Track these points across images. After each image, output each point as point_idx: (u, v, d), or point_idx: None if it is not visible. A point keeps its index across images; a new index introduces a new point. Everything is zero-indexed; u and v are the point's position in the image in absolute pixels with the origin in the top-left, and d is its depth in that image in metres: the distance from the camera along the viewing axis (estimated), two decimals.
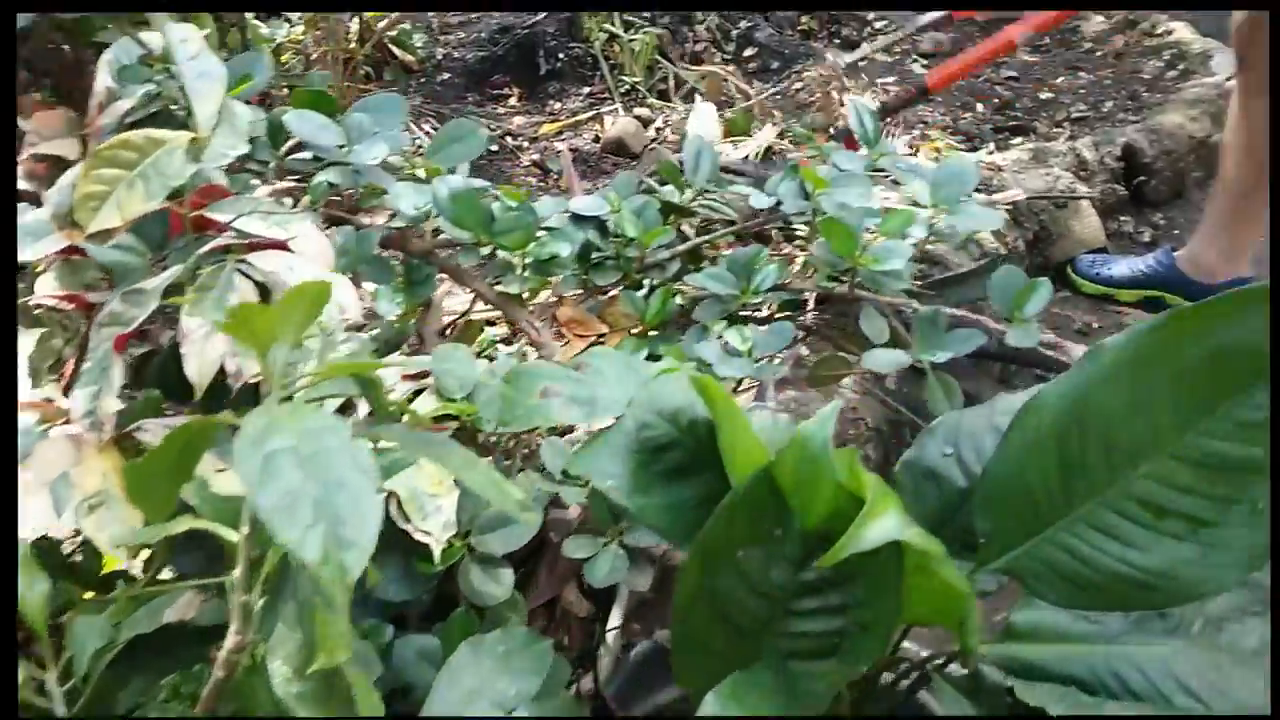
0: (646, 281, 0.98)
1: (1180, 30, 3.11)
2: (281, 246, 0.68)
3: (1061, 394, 0.62)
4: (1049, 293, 0.72)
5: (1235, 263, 1.83)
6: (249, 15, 2.98)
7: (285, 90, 2.80)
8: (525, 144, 2.75)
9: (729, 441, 0.54)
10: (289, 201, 0.87)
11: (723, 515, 0.53)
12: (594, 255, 0.95)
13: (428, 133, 2.78)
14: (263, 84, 0.92)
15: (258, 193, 0.84)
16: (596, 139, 2.71)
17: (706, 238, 0.98)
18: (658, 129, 2.66)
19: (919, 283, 1.67)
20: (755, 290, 0.85)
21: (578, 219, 0.96)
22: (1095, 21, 3.40)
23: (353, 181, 0.89)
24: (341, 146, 0.90)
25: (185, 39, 0.77)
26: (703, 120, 2.27)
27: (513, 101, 3.05)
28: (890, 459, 1.47)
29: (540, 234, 0.96)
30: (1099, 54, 3.10)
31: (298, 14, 3.03)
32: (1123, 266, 1.96)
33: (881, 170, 0.93)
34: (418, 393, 0.85)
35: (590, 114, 2.79)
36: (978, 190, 2.02)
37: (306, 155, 0.92)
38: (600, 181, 2.48)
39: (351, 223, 0.93)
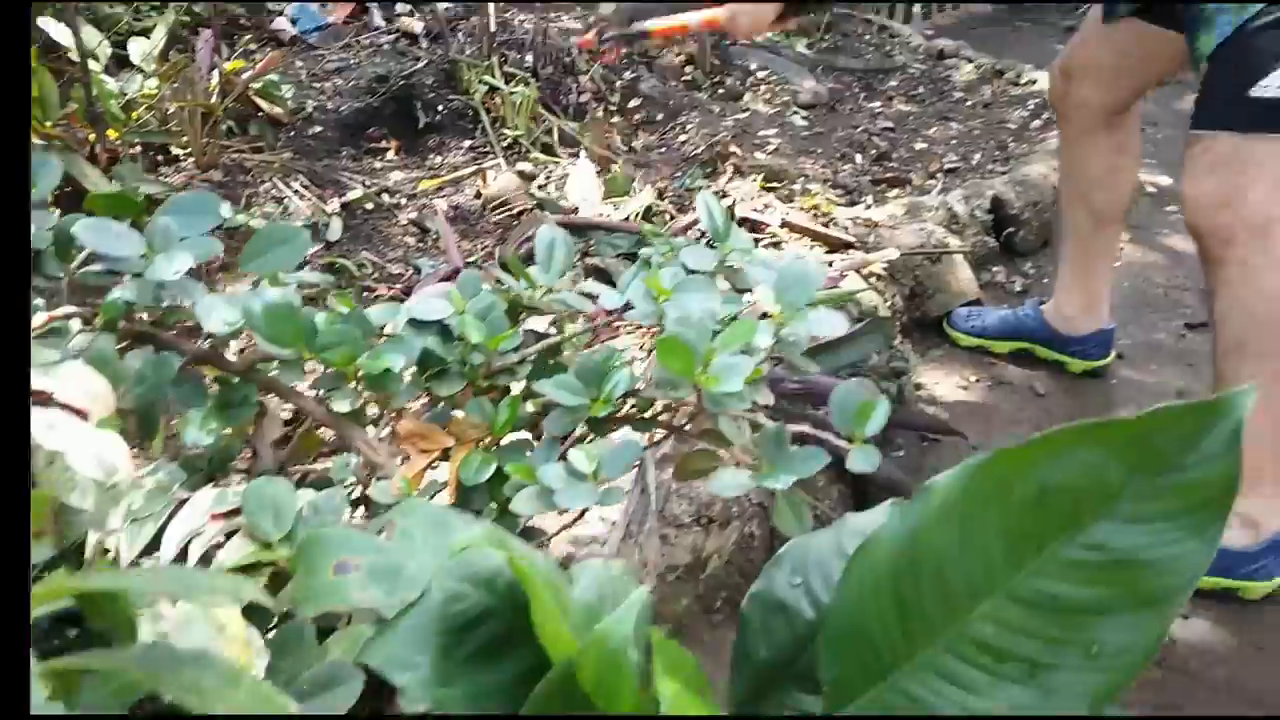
0: (495, 387, 0.93)
1: (1043, 80, 3.26)
2: (41, 399, 0.60)
3: (895, 534, 0.59)
4: (887, 410, 0.70)
5: (1094, 314, 1.89)
6: (95, 68, 2.82)
7: (135, 148, 2.65)
8: (403, 201, 2.67)
9: (539, 625, 0.49)
10: (76, 325, 0.79)
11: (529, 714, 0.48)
12: (435, 363, 0.89)
13: (297, 191, 2.67)
14: (50, 188, 0.83)
15: (37, 319, 0.75)
16: (478, 195, 2.65)
17: (557, 338, 0.93)
18: (540, 185, 2.62)
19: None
20: (607, 399, 0.81)
21: (417, 324, 0.90)
22: (965, 70, 3.55)
23: (154, 298, 0.81)
24: (144, 256, 0.82)
25: None
26: (582, 181, 2.24)
27: (390, 155, 2.97)
28: (776, 532, 1.45)
29: (377, 340, 0.90)
30: (969, 104, 3.23)
31: (152, 66, 2.88)
32: (995, 319, 2.01)
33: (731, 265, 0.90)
34: (234, 533, 0.77)
35: (472, 169, 2.73)
36: (858, 248, 2.05)
37: (102, 267, 0.83)
38: (481, 241, 2.42)
39: (158, 341, 0.85)
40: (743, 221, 2.01)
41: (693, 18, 1.68)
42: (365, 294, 2.20)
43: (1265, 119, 1.25)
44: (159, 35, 2.95)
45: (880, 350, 1.73)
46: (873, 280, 1.96)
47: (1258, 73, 1.23)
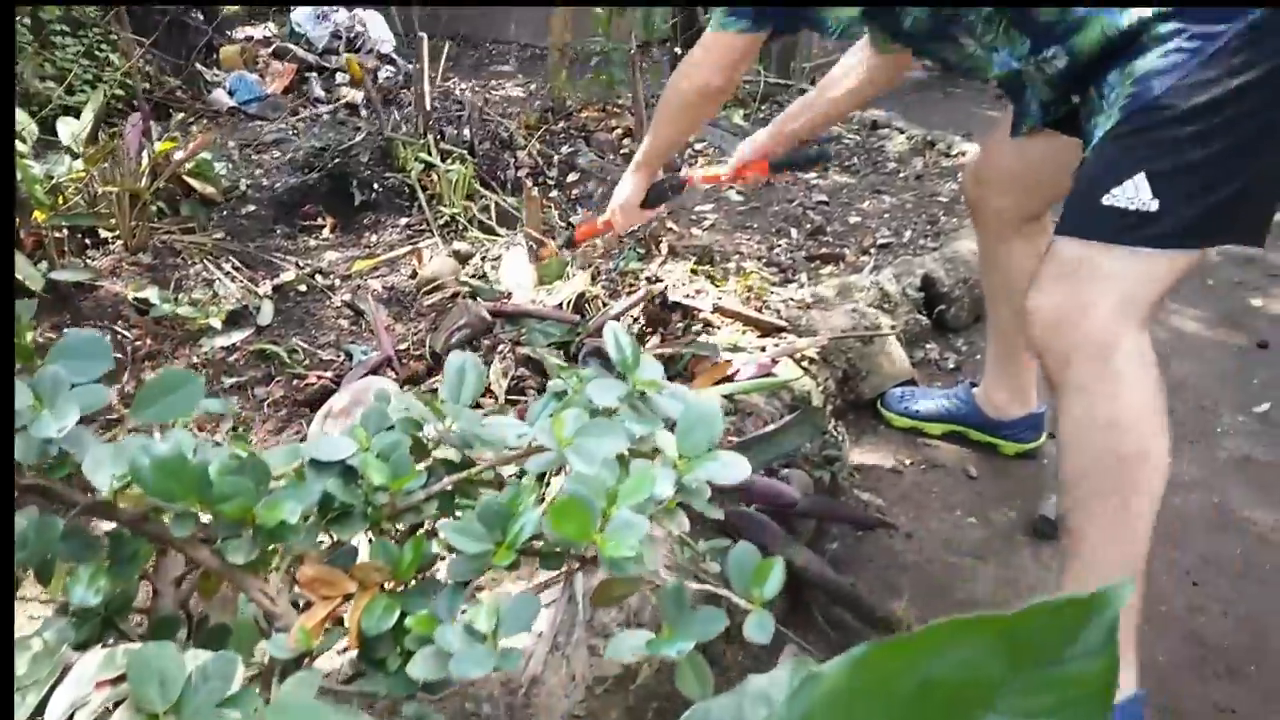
0: (400, 528, 0.91)
1: (973, 151, 3.38)
2: None
3: None
4: (783, 574, 0.70)
5: (1023, 399, 1.93)
6: (22, 149, 2.78)
7: (64, 232, 2.61)
8: (337, 282, 2.65)
9: None
10: None
11: None
12: (337, 506, 0.88)
13: (228, 273, 2.64)
14: None
15: None
16: (413, 275, 2.64)
17: (463, 474, 0.92)
18: (475, 265, 2.63)
19: (733, 439, 1.69)
20: (511, 545, 0.80)
21: (318, 465, 0.89)
22: (898, 141, 3.66)
23: (40, 453, 0.79)
24: (32, 408, 0.80)
25: None
26: (515, 266, 2.24)
27: (325, 233, 2.96)
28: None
29: (277, 482, 0.88)
30: (902, 175, 3.32)
31: (81, 147, 2.85)
32: (928, 401, 2.05)
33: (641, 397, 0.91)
34: (121, 701, 0.75)
35: (407, 249, 2.73)
36: (791, 331, 2.07)
37: None
38: (415, 325, 2.40)
39: (46, 493, 0.82)
40: (675, 307, 2.03)
41: (598, 219, 2.02)
42: (295, 381, 2.17)
43: (1113, 229, 1.20)
44: (88, 115, 2.93)
45: (813, 439, 1.75)
46: (806, 364, 1.99)
47: (1111, 180, 1.19)
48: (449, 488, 0.91)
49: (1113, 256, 1.20)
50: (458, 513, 0.94)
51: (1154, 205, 1.17)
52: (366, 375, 1.99)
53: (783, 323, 2.00)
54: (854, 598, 1.49)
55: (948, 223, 2.82)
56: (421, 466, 0.99)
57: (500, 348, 1.88)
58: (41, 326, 2.36)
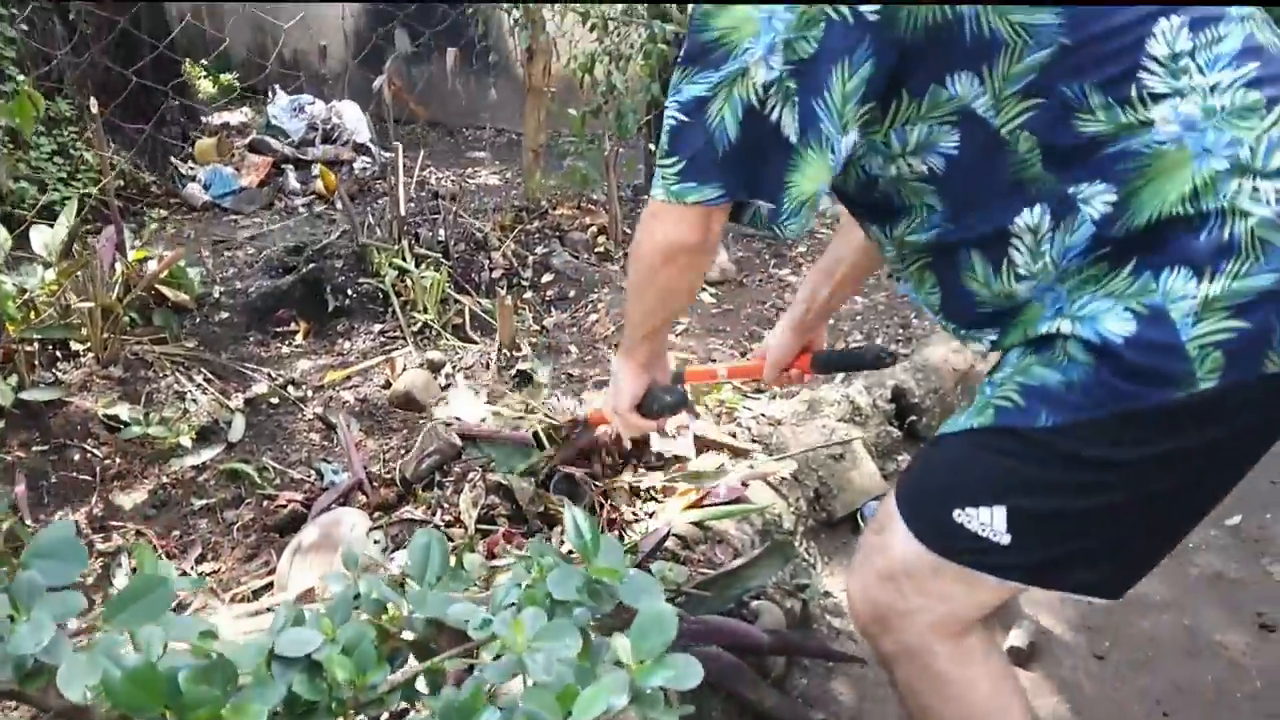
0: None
1: None
2: None
3: None
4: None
5: None
6: None
7: (35, 345, 2.64)
8: (309, 393, 2.69)
9: None
10: None
11: None
12: (301, 703, 0.91)
13: (200, 385, 2.68)
14: None
15: None
16: (387, 384, 2.69)
17: (428, 664, 0.96)
18: (448, 375, 2.69)
19: (705, 572, 1.73)
20: None
21: (284, 660, 0.92)
22: None
23: (16, 665, 0.82)
24: (11, 618, 0.84)
25: None
26: (463, 404, 2.28)
27: (299, 339, 3.01)
28: None
29: (245, 678, 0.92)
30: (873, 276, 3.42)
31: (55, 256, 2.90)
32: None
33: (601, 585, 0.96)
34: None
35: (380, 359, 2.79)
36: (763, 447, 2.13)
37: None
38: (387, 440, 2.45)
39: (22, 699, 0.86)
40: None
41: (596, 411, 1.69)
42: (265, 503, 2.20)
43: (957, 549, 1.07)
44: (62, 225, 2.98)
45: (782, 570, 1.79)
46: (777, 484, 2.04)
47: (966, 499, 1.06)
48: (414, 675, 0.95)
49: (947, 576, 1.09)
50: (418, 706, 0.98)
51: (1006, 539, 1.04)
52: (337, 500, 2.03)
53: (753, 446, 2.05)
54: None
55: (919, 327, 2.91)
56: (388, 647, 1.03)
57: (471, 475, 1.92)
58: (10, 444, 2.39)
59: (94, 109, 2.78)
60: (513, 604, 0.97)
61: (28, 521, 2.16)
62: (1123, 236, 0.96)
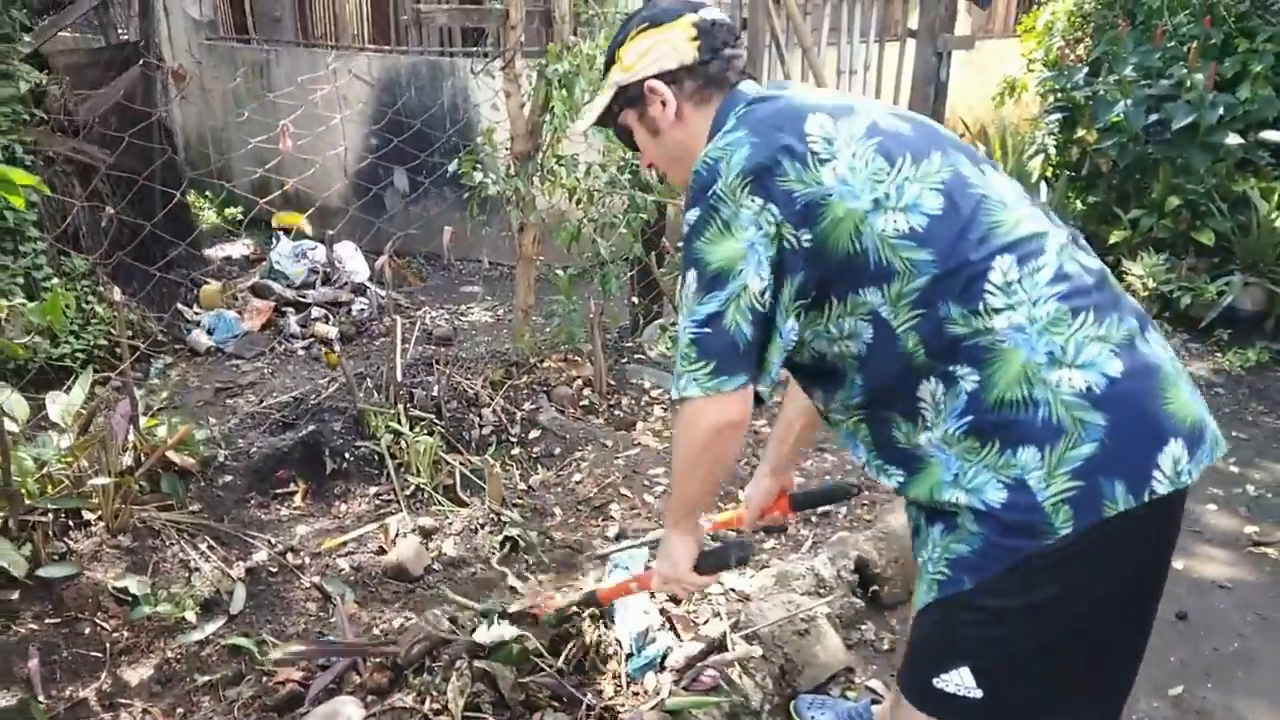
0: None
1: None
2: None
3: None
4: None
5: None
6: (13, 429, 3.05)
7: (49, 515, 2.85)
8: (307, 560, 2.89)
9: None
10: None
11: None
12: None
13: (203, 553, 2.88)
14: None
15: None
16: (381, 550, 2.89)
17: None
18: (440, 540, 2.89)
19: None
20: None
21: None
22: None
23: None
24: None
25: None
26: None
27: (297, 501, 3.22)
28: None
29: None
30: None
31: (69, 421, 3.13)
32: (833, 715, 2.19)
33: None
34: None
35: (374, 525, 2.99)
36: (733, 623, 2.32)
37: None
38: (382, 612, 2.63)
39: None
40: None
41: (634, 580, 1.97)
42: (265, 679, 2.38)
43: (948, 711, 1.37)
44: (78, 392, 3.22)
45: None
46: (746, 661, 2.23)
47: (939, 666, 1.36)
48: None
49: None
50: None
51: (978, 694, 1.34)
52: (332, 682, 2.21)
53: (718, 635, 2.24)
54: None
55: (880, 492, 3.13)
56: None
57: (459, 664, 2.11)
58: (24, 616, 2.57)
59: (117, 296, 3.04)
60: None
61: (40, 697, 2.34)
62: (986, 413, 1.29)
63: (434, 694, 2.07)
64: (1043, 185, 5.83)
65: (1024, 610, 1.29)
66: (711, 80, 1.49)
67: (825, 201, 1.31)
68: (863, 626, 2.60)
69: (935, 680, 1.37)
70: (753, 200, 1.32)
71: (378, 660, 2.24)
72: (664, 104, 1.50)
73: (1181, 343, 4.88)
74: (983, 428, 1.29)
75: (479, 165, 3.67)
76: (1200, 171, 4.98)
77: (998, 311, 1.29)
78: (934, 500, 1.35)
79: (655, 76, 1.49)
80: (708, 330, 1.33)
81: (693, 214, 1.37)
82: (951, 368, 1.31)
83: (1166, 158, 5.10)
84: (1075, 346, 1.28)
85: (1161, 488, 1.26)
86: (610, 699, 2.07)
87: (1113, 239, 5.24)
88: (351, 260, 5.39)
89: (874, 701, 2.20)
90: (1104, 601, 1.32)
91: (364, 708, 2.05)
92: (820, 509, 3.00)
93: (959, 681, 1.35)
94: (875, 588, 2.67)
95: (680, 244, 1.46)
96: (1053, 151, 5.96)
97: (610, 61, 1.55)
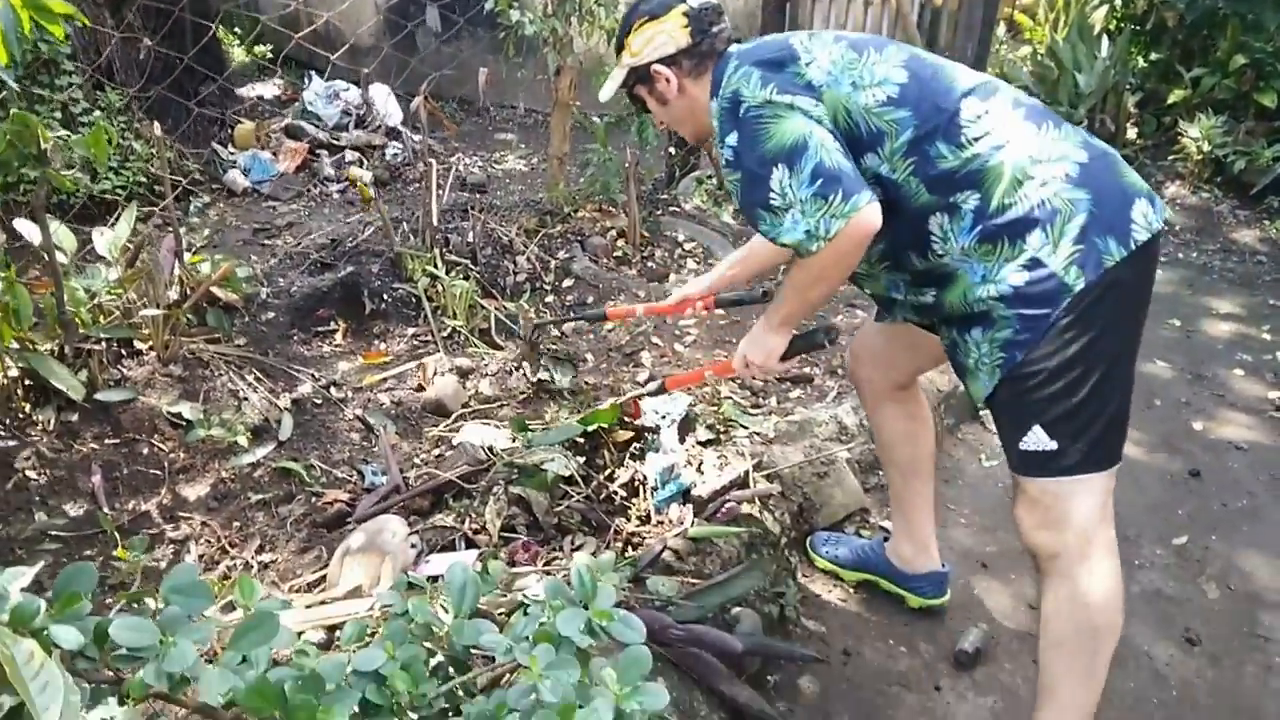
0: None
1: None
2: None
3: None
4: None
5: (926, 556, 2.27)
6: (63, 260, 3.17)
7: (101, 344, 3.00)
8: (349, 394, 3.04)
9: None
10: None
11: None
12: (372, 709, 1.26)
13: (251, 384, 3.04)
14: (89, 590, 1.19)
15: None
16: (420, 387, 3.03)
17: (464, 678, 1.30)
18: (476, 380, 3.01)
19: (693, 582, 2.06)
20: None
21: (358, 674, 1.27)
22: None
23: (167, 678, 1.17)
24: (162, 641, 1.18)
25: None
26: (474, 433, 2.58)
27: (338, 339, 3.35)
28: None
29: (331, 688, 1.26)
30: None
31: (116, 255, 3.24)
32: (847, 550, 2.39)
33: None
34: None
35: (413, 363, 3.12)
36: (756, 463, 2.44)
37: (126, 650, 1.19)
38: (420, 443, 2.79)
39: (170, 700, 1.20)
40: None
41: (708, 368, 2.20)
42: (314, 500, 2.56)
43: (1038, 466, 1.63)
44: (124, 226, 3.30)
45: (760, 584, 2.12)
46: (766, 499, 2.36)
47: (1020, 433, 1.64)
48: (458, 685, 1.29)
49: (1053, 485, 1.65)
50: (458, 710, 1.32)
51: (1053, 445, 1.62)
52: (377, 503, 2.38)
53: (743, 473, 2.36)
54: None
55: None
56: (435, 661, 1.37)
57: (494, 490, 2.26)
58: (84, 437, 2.75)
59: (157, 132, 3.08)
60: (528, 637, 1.31)
61: (105, 509, 2.54)
62: (992, 219, 1.57)
63: (473, 515, 2.22)
64: (1104, 39, 5.60)
65: (1068, 362, 1.56)
66: (704, 56, 1.78)
67: (820, 92, 1.61)
68: (880, 473, 2.72)
69: (1021, 444, 1.65)
70: (781, 96, 1.60)
71: (420, 484, 2.39)
72: (668, 81, 1.80)
73: (1230, 208, 4.79)
74: (991, 232, 1.57)
75: (516, 3, 3.59)
76: (1271, 29, 4.75)
77: (977, 139, 1.58)
78: (968, 301, 1.63)
79: (658, 61, 1.78)
80: (820, 180, 1.54)
81: (733, 137, 1.63)
82: (952, 198, 1.59)
83: (1236, 13, 4.87)
84: (1048, 147, 1.58)
85: (1140, 235, 1.56)
86: (636, 528, 2.21)
87: (1172, 98, 5.07)
88: (385, 103, 5.35)
89: (885, 538, 2.34)
90: (1121, 338, 1.60)
91: (408, 525, 2.21)
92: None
93: (1036, 439, 1.62)
94: None
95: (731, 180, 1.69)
96: (1119, 2, 5.69)
97: (620, 47, 1.85)
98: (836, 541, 2.39)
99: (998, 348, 1.62)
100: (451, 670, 1.36)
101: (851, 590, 2.36)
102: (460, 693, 1.33)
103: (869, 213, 1.54)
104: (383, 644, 1.33)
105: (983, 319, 1.63)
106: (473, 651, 1.38)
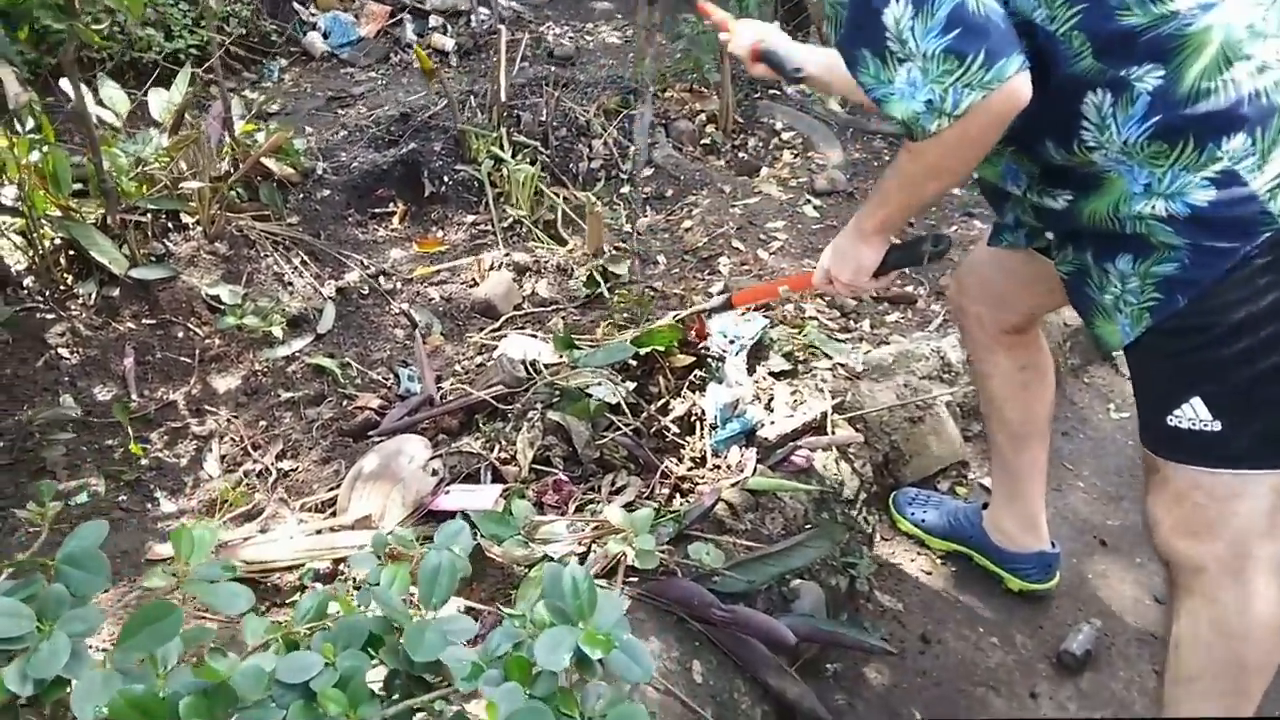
0: None
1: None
2: None
3: None
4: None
5: (1034, 533, 1.83)
6: (113, 120, 2.90)
7: (148, 216, 2.74)
8: (398, 285, 2.73)
9: None
10: None
11: None
12: None
13: (296, 268, 2.75)
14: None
15: None
16: (474, 282, 2.70)
17: (418, 700, 0.99)
18: (533, 279, 2.66)
19: (748, 546, 1.70)
20: None
21: (283, 686, 0.97)
22: None
23: (37, 686, 0.89)
24: (39, 629, 0.90)
25: None
26: (518, 345, 2.21)
27: (395, 222, 3.03)
28: None
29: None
30: None
31: (169, 119, 2.95)
32: (936, 514, 1.96)
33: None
34: None
35: (469, 258, 2.77)
36: (837, 410, 2.03)
37: None
38: (464, 349, 2.46)
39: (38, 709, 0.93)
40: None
41: (782, 282, 1.76)
42: (345, 403, 2.29)
43: (1188, 451, 1.22)
44: (178, 92, 3.01)
45: (828, 554, 1.75)
46: (844, 445, 1.97)
47: (1170, 402, 1.22)
48: (406, 711, 0.98)
49: (1209, 479, 1.23)
50: None
51: (1217, 425, 1.19)
52: (406, 416, 2.08)
53: (820, 415, 1.96)
54: None
55: None
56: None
57: (530, 414, 1.92)
58: (122, 315, 2.53)
59: None
60: (501, 656, 0.97)
61: (133, 395, 2.33)
62: (1178, 108, 1.11)
63: (503, 442, 1.90)
64: None
65: (1255, 319, 1.14)
66: None
67: None
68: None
69: (1169, 419, 1.23)
70: None
71: (453, 398, 2.08)
72: None
73: None
74: (1174, 126, 1.12)
75: None
76: None
77: None
78: (1118, 217, 1.19)
79: None
80: (956, 29, 1.08)
81: None
82: (1125, 70, 1.12)
83: None
84: (1276, 18, 1.12)
85: None
86: (689, 471, 1.86)
87: None
88: None
89: (985, 504, 1.92)
90: None
91: (431, 448, 1.91)
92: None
93: (1193, 415, 1.20)
94: None
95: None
96: None
97: None
98: (925, 502, 1.98)
99: (1152, 285, 1.19)
100: (411, 687, 1.05)
101: (938, 562, 1.96)
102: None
103: (1017, 85, 1.10)
104: (320, 645, 1.02)
105: (1136, 244, 1.19)
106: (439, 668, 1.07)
